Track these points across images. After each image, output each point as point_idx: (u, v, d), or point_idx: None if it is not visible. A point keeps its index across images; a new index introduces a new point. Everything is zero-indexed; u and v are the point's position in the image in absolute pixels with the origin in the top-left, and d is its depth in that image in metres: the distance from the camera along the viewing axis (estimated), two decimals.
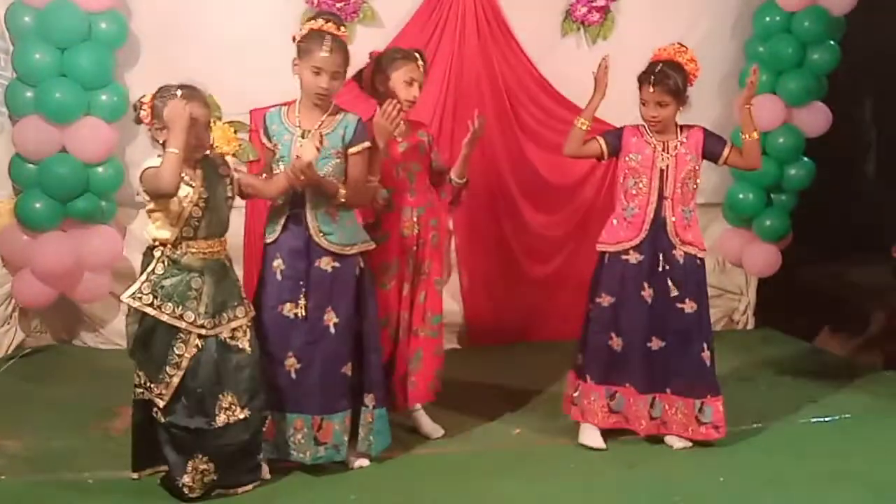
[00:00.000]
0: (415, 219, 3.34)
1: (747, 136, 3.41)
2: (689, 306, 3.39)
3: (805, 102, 4.76)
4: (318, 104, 3.05)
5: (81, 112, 4.03)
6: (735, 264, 5.13)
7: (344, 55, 3.02)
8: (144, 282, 2.82)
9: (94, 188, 4.11)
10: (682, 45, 3.41)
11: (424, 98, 4.47)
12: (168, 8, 4.22)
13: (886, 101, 4.74)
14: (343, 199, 3.04)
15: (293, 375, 3.06)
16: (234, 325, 2.89)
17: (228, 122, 4.31)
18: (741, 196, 4.91)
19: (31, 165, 4.03)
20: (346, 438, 3.14)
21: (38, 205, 4.01)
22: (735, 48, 4.93)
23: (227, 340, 2.87)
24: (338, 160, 3.05)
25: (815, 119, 4.79)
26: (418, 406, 3.49)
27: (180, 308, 2.79)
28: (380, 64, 3.33)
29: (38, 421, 3.51)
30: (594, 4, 4.67)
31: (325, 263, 3.06)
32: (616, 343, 3.41)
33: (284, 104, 3.16)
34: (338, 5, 4.36)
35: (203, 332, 2.80)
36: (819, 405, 3.95)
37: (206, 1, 4.27)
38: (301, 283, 3.04)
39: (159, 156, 2.76)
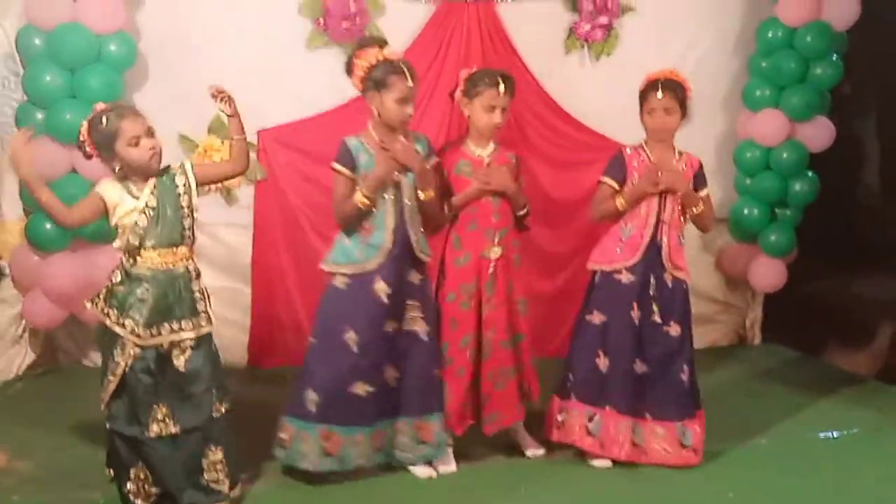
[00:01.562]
0: (496, 240, 3.38)
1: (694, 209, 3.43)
2: (673, 329, 3.40)
3: (808, 117, 4.78)
4: (399, 129, 3.19)
5: None
6: (741, 279, 5.15)
7: (417, 78, 3.21)
8: (104, 288, 2.92)
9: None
10: (674, 70, 3.45)
11: (430, 115, 4.55)
12: (176, 30, 4.26)
13: (890, 115, 4.75)
14: (429, 198, 3.22)
15: (393, 385, 3.22)
16: (174, 337, 2.90)
17: None
18: (746, 211, 4.93)
19: None
20: (446, 436, 3.30)
21: (48, 225, 4.03)
22: (738, 64, 4.96)
23: (166, 354, 2.91)
24: None
25: (819, 134, 4.81)
26: (520, 427, 3.55)
27: (123, 316, 2.86)
28: (466, 86, 3.40)
29: (49, 441, 3.53)
30: (597, 22, 4.71)
31: (414, 276, 3.25)
32: (602, 363, 3.41)
33: (356, 134, 3.22)
34: (344, 25, 4.41)
35: (138, 340, 2.84)
36: (827, 420, 3.96)
37: (213, 23, 4.31)
38: (406, 299, 3.21)
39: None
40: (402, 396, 3.24)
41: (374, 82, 3.12)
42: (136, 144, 2.83)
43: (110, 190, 2.88)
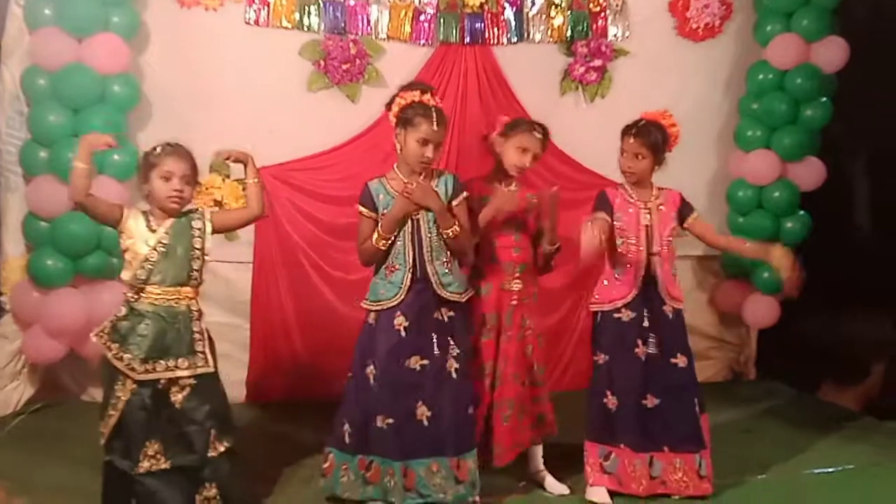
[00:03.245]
0: (517, 274, 3.47)
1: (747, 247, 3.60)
2: (681, 361, 3.46)
3: (799, 157, 4.87)
4: (420, 171, 3.26)
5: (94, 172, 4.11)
6: (735, 316, 5.19)
7: (446, 126, 3.30)
8: (108, 321, 2.97)
9: (104, 245, 4.18)
10: (668, 112, 3.55)
11: None
12: (179, 72, 4.35)
13: (879, 155, 4.84)
14: (454, 235, 3.26)
15: (425, 423, 3.22)
16: (171, 375, 2.95)
17: (237, 180, 4.41)
18: None
19: (43, 223, 4.11)
20: (479, 475, 3.29)
21: (50, 262, 4.08)
22: (729, 105, 5.07)
23: (164, 391, 2.95)
24: None
25: (810, 173, 4.89)
26: (540, 465, 3.58)
27: (122, 350, 2.91)
28: (504, 128, 3.53)
29: (46, 477, 3.53)
30: (591, 64, 4.81)
31: (444, 314, 3.28)
32: (611, 402, 3.46)
33: (379, 177, 3.32)
34: (344, 67, 4.51)
35: (134, 375, 2.89)
36: (822, 456, 3.97)
37: (215, 65, 4.40)
38: (431, 335, 3.24)
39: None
40: (437, 435, 3.23)
41: (403, 120, 3.24)
42: (167, 180, 2.95)
43: (134, 212, 3.01)
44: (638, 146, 3.44)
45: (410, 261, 3.25)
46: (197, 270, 3.03)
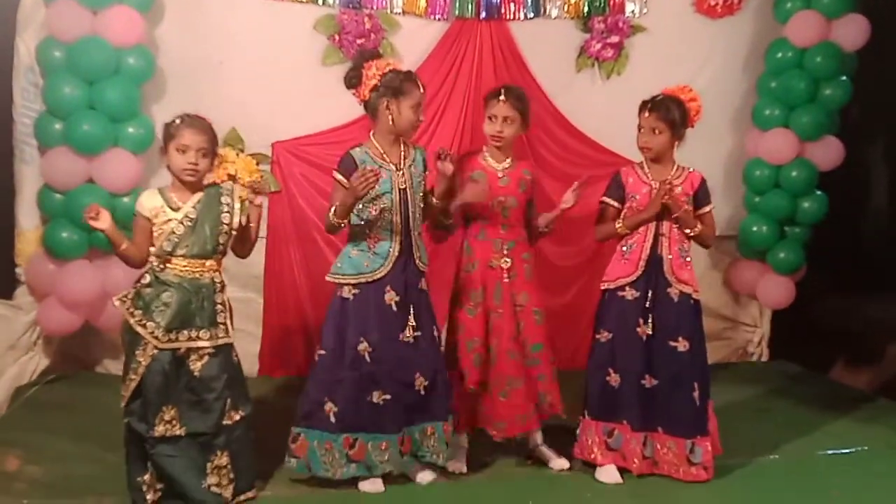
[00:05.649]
0: (505, 251, 3.47)
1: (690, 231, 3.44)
2: (681, 345, 3.41)
3: (818, 137, 4.81)
4: (406, 137, 3.28)
5: (109, 144, 4.12)
6: (749, 296, 5.16)
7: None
8: (132, 289, 3.01)
9: (119, 218, 4.16)
10: (689, 87, 3.51)
11: (443, 128, 4.62)
12: (194, 44, 4.33)
13: None
14: (437, 205, 3.32)
15: (422, 392, 3.27)
16: (190, 344, 2.99)
17: (251, 154, 4.40)
18: (755, 229, 4.95)
19: (58, 196, 4.12)
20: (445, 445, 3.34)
21: (64, 234, 4.09)
22: (747, 83, 5.01)
23: (182, 358, 2.99)
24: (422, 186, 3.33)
25: (828, 153, 4.84)
26: (539, 440, 3.59)
27: (146, 317, 2.95)
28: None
29: (60, 447, 3.56)
30: (608, 41, 4.76)
31: (423, 283, 3.32)
32: (613, 379, 3.45)
33: (357, 144, 3.28)
34: (359, 41, 4.48)
35: (156, 342, 2.93)
36: (835, 437, 3.96)
37: (230, 38, 4.38)
38: (412, 307, 3.26)
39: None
40: (432, 402, 3.29)
41: (390, 90, 3.18)
42: (183, 153, 2.96)
43: (148, 201, 3.02)
44: (654, 121, 3.40)
45: (399, 233, 3.24)
46: (223, 244, 3.06)
